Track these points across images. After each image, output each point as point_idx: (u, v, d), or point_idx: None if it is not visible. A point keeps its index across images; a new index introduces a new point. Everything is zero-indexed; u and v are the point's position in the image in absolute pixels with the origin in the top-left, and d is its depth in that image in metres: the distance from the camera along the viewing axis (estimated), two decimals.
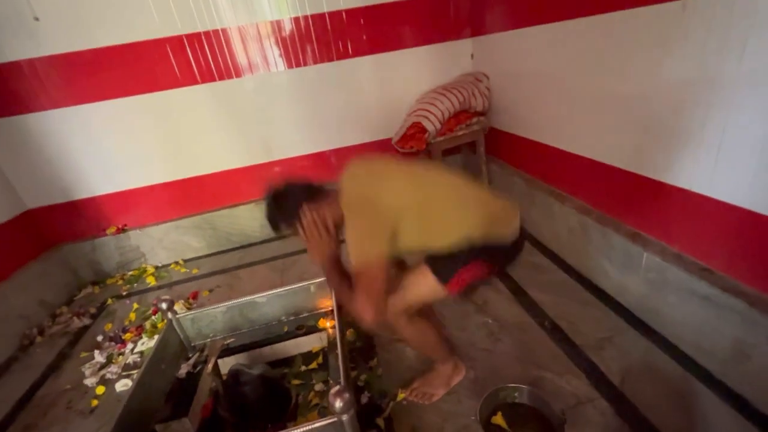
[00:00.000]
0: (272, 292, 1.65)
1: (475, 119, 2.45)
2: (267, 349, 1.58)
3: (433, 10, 2.45)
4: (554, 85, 1.84)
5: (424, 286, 1.15)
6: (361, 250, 1.04)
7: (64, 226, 2.53)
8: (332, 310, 1.56)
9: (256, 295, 1.64)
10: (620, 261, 1.57)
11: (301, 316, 1.68)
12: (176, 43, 2.23)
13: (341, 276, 1.18)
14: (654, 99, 1.31)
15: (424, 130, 2.27)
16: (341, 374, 1.19)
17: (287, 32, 2.34)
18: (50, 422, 1.54)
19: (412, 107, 2.45)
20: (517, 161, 2.38)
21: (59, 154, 2.34)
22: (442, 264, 1.12)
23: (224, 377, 1.43)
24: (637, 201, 1.49)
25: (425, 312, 1.33)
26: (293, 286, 1.66)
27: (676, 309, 1.35)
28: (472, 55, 2.61)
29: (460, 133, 2.41)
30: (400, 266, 1.46)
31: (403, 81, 2.59)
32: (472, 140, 2.52)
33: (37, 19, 2.02)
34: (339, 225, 1.15)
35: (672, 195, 1.32)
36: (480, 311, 1.72)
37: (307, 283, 1.64)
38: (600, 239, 1.66)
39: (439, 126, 2.29)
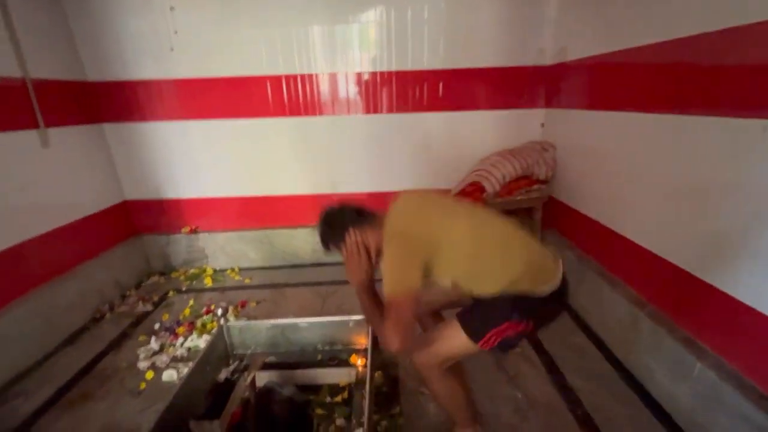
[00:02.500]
0: (314, 319, 1.76)
1: (536, 186, 2.48)
2: (299, 373, 1.68)
3: (510, 79, 2.58)
4: (623, 169, 1.84)
5: (456, 342, 1.18)
6: (393, 280, 1.09)
7: (149, 219, 2.88)
8: (366, 349, 1.63)
9: (299, 319, 1.77)
10: (670, 366, 1.48)
11: (335, 347, 1.76)
12: (275, 81, 2.56)
13: (372, 300, 1.24)
14: (727, 205, 1.29)
15: (483, 189, 2.34)
16: (365, 416, 1.24)
17: (370, 82, 2.59)
18: (104, 394, 1.73)
19: (475, 166, 2.54)
20: (573, 236, 2.36)
21: (160, 158, 2.72)
22: (474, 322, 1.16)
23: (257, 391, 1.53)
24: (697, 306, 1.43)
25: (458, 370, 1.35)
26: (334, 318, 1.76)
27: None
28: (542, 125, 2.67)
29: (519, 197, 2.45)
30: (434, 318, 1.51)
31: (470, 140, 2.70)
32: (529, 206, 2.54)
33: (172, 49, 2.44)
34: (380, 252, 1.21)
35: (736, 310, 1.25)
36: (511, 383, 1.69)
37: (347, 317, 1.74)
38: (650, 337, 1.58)
39: (498, 188, 2.35)
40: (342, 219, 1.23)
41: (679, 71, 1.47)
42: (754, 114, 1.17)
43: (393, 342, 1.08)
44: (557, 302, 1.21)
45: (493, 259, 1.15)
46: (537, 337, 1.98)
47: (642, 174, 1.70)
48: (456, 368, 1.31)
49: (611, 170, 1.94)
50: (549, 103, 2.59)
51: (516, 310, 1.13)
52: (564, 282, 1.19)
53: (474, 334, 1.15)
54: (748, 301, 1.22)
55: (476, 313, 1.19)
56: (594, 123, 2.07)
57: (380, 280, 1.13)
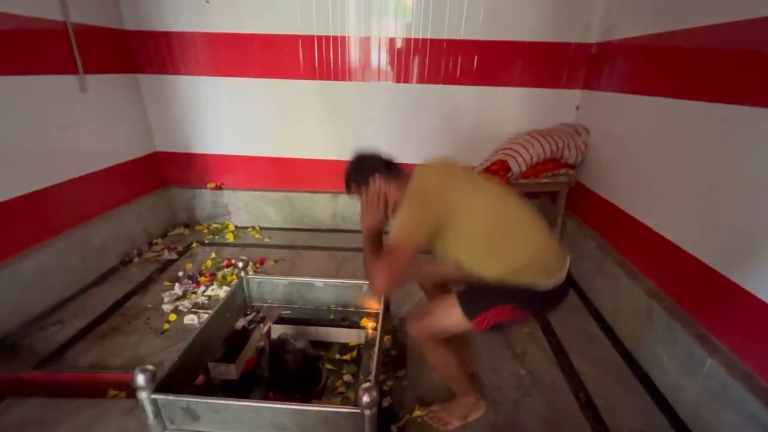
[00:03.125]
0: (330, 280, 1.81)
1: (563, 170, 2.41)
2: (312, 329, 1.74)
3: (550, 55, 2.47)
4: (656, 159, 1.77)
5: (450, 317, 1.21)
6: (402, 230, 1.11)
7: (177, 172, 2.97)
8: (377, 313, 1.68)
9: (315, 279, 1.82)
10: (681, 359, 1.47)
11: (348, 309, 1.82)
12: (307, 41, 2.53)
13: (375, 247, 1.26)
14: (762, 203, 1.23)
15: (508, 169, 2.30)
16: (373, 373, 1.30)
17: (403, 49, 2.52)
18: (131, 330, 1.86)
19: (503, 144, 2.49)
20: (595, 223, 2.31)
21: (191, 112, 2.77)
22: (471, 300, 1.19)
23: (272, 341, 1.61)
24: (716, 302, 1.40)
25: (459, 342, 1.38)
26: (349, 281, 1.81)
27: (731, 429, 1.25)
28: (577, 107, 2.57)
29: (544, 180, 2.40)
30: (441, 291, 1.53)
31: (501, 116, 2.63)
32: (554, 190, 2.49)
33: (208, 2, 2.42)
34: (396, 207, 1.21)
35: (756, 309, 1.22)
36: (517, 360, 1.72)
37: (361, 281, 1.78)
38: (664, 330, 1.57)
39: (524, 169, 2.30)
40: (371, 164, 1.24)
41: (735, 57, 1.37)
42: None
43: (380, 282, 1.11)
44: (557, 298, 1.22)
45: (503, 242, 1.15)
46: (547, 319, 2.00)
47: (679, 166, 1.63)
48: (456, 340, 1.35)
49: (646, 159, 1.86)
50: (588, 85, 2.48)
51: (514, 298, 1.15)
52: (568, 279, 1.20)
53: (469, 311, 1.18)
54: None
55: (475, 293, 1.21)
56: (634, 109, 1.97)
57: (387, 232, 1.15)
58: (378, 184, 1.22)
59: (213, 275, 2.32)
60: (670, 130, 1.70)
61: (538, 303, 1.20)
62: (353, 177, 1.26)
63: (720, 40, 1.44)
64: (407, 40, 2.49)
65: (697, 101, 1.54)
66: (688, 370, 1.43)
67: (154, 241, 2.76)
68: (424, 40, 2.48)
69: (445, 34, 2.46)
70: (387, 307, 1.68)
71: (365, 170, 1.24)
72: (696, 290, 1.50)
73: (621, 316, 1.89)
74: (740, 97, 1.34)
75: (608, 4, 2.26)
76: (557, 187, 2.46)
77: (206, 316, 1.73)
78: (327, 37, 2.51)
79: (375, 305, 1.77)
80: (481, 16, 2.39)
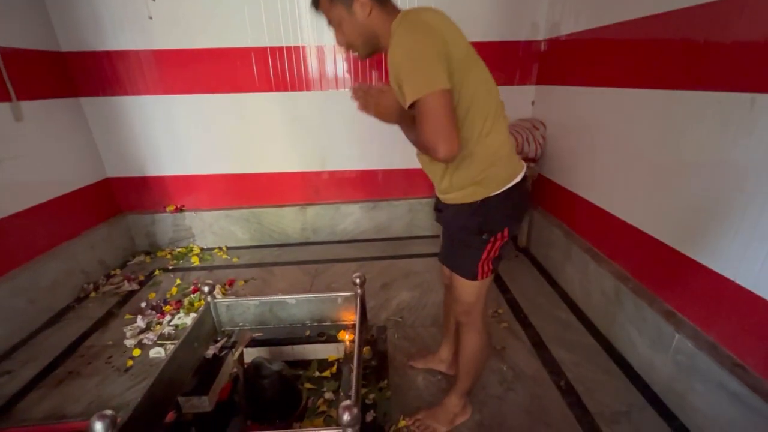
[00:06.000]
0: (303, 296, 1.75)
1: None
2: (288, 349, 1.68)
3: (502, 54, 2.53)
4: (609, 146, 1.84)
5: (466, 289, 1.20)
6: (418, 79, 0.86)
7: (133, 197, 2.81)
8: (354, 325, 1.64)
9: (288, 296, 1.75)
10: (651, 337, 1.52)
11: (324, 324, 1.77)
12: (260, 53, 2.47)
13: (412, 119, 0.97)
14: (708, 180, 1.30)
15: None
16: (353, 389, 1.25)
17: None
18: (91, 372, 1.72)
19: None
20: (560, 213, 2.38)
21: (143, 133, 2.63)
22: (462, 263, 1.18)
23: (246, 366, 1.54)
24: (677, 279, 1.46)
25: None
26: (322, 295, 1.76)
27: (702, 399, 1.30)
28: (533, 103, 2.65)
29: None
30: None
31: None
32: None
33: (150, 18, 2.32)
34: (376, 46, 1.04)
35: (714, 281, 1.28)
36: (497, 356, 1.72)
37: (335, 294, 1.73)
38: (632, 310, 1.62)
39: None
40: None
41: (668, 45, 1.45)
42: (743, 87, 1.16)
43: (438, 149, 0.88)
44: (525, 198, 1.18)
45: (499, 119, 1.05)
46: (524, 313, 2.02)
47: (629, 150, 1.70)
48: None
49: (599, 147, 1.93)
50: (540, 80, 2.56)
51: (485, 230, 1.09)
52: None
53: (469, 274, 1.17)
54: (727, 273, 1.25)
55: (458, 256, 1.19)
56: (583, 100, 2.05)
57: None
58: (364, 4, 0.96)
59: (179, 303, 2.20)
60: (617, 118, 1.77)
61: (508, 214, 1.11)
62: None
63: (651, 31, 1.52)
64: None
65: (638, 89, 1.62)
66: (658, 347, 1.48)
67: (112, 272, 2.59)
68: None
69: None
70: (363, 317, 1.65)
71: None
72: (657, 268, 1.57)
73: (592, 301, 1.94)
74: (675, 83, 1.41)
75: (551, 3, 2.35)
76: None
77: (173, 347, 1.63)
78: (280, 48, 2.47)
79: (351, 317, 1.73)
80: None
